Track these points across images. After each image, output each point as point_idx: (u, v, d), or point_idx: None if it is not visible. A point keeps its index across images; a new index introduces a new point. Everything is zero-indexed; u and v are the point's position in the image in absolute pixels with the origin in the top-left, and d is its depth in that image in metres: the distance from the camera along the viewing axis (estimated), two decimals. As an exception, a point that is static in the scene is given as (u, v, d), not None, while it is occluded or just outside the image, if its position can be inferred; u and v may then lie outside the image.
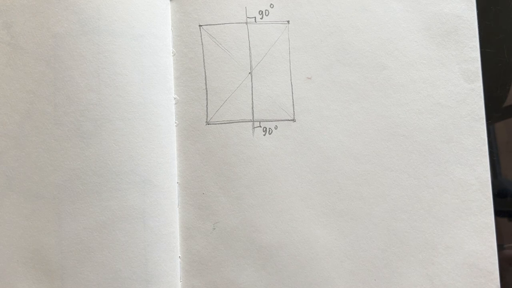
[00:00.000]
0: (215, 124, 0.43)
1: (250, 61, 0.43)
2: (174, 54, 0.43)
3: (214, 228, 0.41)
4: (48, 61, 0.39)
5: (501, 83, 0.43)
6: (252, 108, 0.43)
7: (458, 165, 0.42)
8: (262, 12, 0.44)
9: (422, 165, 0.43)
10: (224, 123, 0.43)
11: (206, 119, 0.43)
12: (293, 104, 0.43)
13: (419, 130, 0.43)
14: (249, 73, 0.43)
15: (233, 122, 0.43)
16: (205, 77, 0.43)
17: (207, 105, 0.43)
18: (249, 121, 0.43)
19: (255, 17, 0.44)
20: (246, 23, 0.43)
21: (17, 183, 0.38)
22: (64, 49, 0.39)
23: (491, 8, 0.46)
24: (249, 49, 0.43)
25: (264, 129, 0.43)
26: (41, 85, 0.38)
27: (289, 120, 0.43)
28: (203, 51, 0.43)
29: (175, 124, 0.42)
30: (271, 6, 0.44)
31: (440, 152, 0.43)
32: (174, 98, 0.42)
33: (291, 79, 0.43)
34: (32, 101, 0.38)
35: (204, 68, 0.43)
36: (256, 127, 0.43)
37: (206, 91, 0.43)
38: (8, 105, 0.38)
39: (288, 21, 0.44)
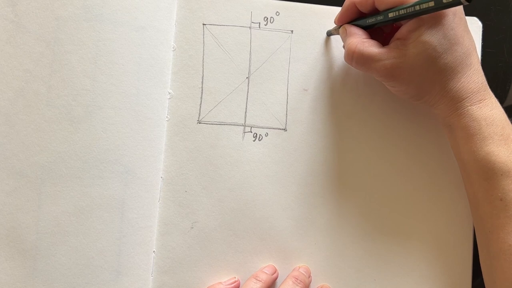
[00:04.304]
0: (207, 123, 0.43)
1: (249, 66, 0.43)
2: (175, 49, 0.43)
3: (192, 227, 0.41)
4: (48, 43, 0.39)
5: (501, 83, 0.43)
6: (245, 112, 0.43)
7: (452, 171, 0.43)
8: (267, 18, 0.44)
9: (411, 185, 0.43)
10: (216, 124, 0.43)
11: (198, 117, 0.43)
12: (286, 114, 0.43)
13: (411, 144, 0.43)
14: (247, 77, 0.43)
15: (224, 124, 0.43)
16: (203, 76, 0.43)
17: (200, 104, 0.43)
18: (240, 125, 0.43)
19: (259, 23, 0.44)
20: (250, 27, 0.44)
21: (2, 159, 0.38)
22: (65, 33, 0.39)
23: (491, 8, 0.46)
24: (250, 54, 0.43)
25: (255, 135, 0.43)
26: (38, 66, 0.39)
27: (280, 129, 0.43)
28: (203, 50, 0.43)
29: (166, 119, 0.42)
30: (277, 13, 0.44)
31: (432, 162, 0.43)
32: (169, 93, 0.42)
33: (287, 89, 0.43)
34: (27, 80, 0.39)
35: (203, 67, 0.43)
36: (246, 132, 0.43)
37: (202, 90, 0.43)
38: (3, 81, 0.39)
39: (292, 31, 0.44)
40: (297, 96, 0.43)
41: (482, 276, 0.38)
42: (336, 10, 0.44)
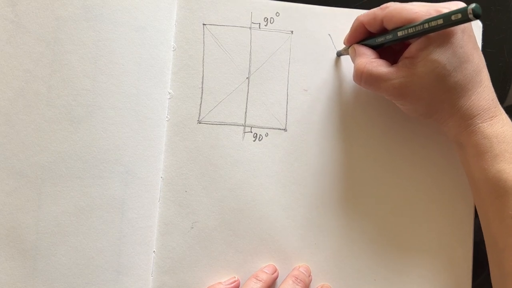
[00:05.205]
0: (207, 123, 0.43)
1: (249, 66, 0.43)
2: (175, 49, 0.43)
3: (192, 227, 0.41)
4: (48, 43, 0.39)
5: (501, 83, 0.43)
6: (245, 113, 0.43)
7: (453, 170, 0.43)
8: (267, 19, 0.44)
9: (411, 185, 0.43)
10: (216, 124, 0.43)
11: (198, 117, 0.43)
12: (286, 114, 0.43)
13: (410, 142, 0.43)
14: (247, 78, 0.43)
15: (224, 124, 0.43)
16: (203, 76, 0.43)
17: (201, 104, 0.43)
18: (240, 125, 0.43)
19: (259, 23, 0.44)
20: (250, 28, 0.44)
21: (2, 159, 0.38)
22: (65, 33, 0.39)
23: (491, 8, 0.46)
24: (250, 54, 0.43)
25: (255, 135, 0.43)
26: (38, 66, 0.39)
27: (280, 129, 0.43)
28: (203, 50, 0.43)
29: (166, 119, 0.42)
30: (277, 14, 0.44)
31: (431, 161, 0.43)
32: (169, 93, 0.42)
33: (287, 89, 0.44)
34: (27, 80, 0.39)
35: (203, 67, 0.43)
36: (246, 132, 0.43)
37: (202, 90, 0.43)
38: (3, 81, 0.39)
39: (292, 31, 0.44)
40: (297, 96, 0.43)
41: (482, 276, 0.38)
42: (336, 11, 0.44)
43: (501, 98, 0.45)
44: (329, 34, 0.44)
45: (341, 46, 0.43)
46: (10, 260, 0.38)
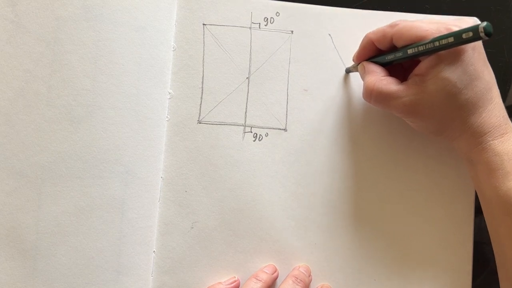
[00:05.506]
0: (207, 123, 0.43)
1: (249, 66, 0.43)
2: (175, 49, 0.43)
3: (192, 227, 0.41)
4: (48, 43, 0.39)
5: (501, 83, 0.43)
6: (245, 113, 0.43)
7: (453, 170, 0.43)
8: (267, 19, 0.44)
9: (411, 185, 0.43)
10: (216, 124, 0.43)
11: (198, 117, 0.43)
12: (286, 114, 0.43)
13: (413, 142, 0.43)
14: (247, 78, 0.43)
15: (224, 124, 0.43)
16: (203, 76, 0.43)
17: (201, 104, 0.43)
18: (240, 125, 0.43)
19: (259, 23, 0.44)
20: (250, 28, 0.44)
21: (2, 159, 0.38)
22: (65, 33, 0.39)
23: (491, 8, 0.46)
24: (250, 54, 0.43)
25: (255, 135, 0.43)
26: (38, 66, 0.39)
27: (280, 129, 0.43)
28: (203, 50, 0.43)
29: (166, 119, 0.42)
30: (277, 14, 0.44)
31: (431, 160, 0.43)
32: (169, 93, 0.42)
33: (287, 89, 0.43)
34: (27, 80, 0.39)
35: (203, 67, 0.43)
36: (247, 132, 0.43)
37: (202, 90, 0.43)
38: (3, 81, 0.39)
39: (292, 31, 0.44)
40: (297, 96, 0.43)
41: (482, 276, 0.38)
42: (336, 11, 0.44)
43: (501, 98, 0.45)
44: (329, 34, 0.44)
45: (341, 46, 0.43)
46: (10, 260, 0.38)
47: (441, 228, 0.43)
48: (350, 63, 0.43)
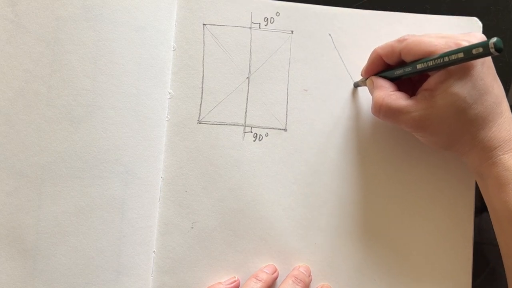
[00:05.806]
0: (207, 124, 0.43)
1: (249, 66, 0.43)
2: (175, 49, 0.43)
3: (192, 227, 0.41)
4: (48, 43, 0.39)
5: (501, 83, 0.43)
6: (246, 113, 0.43)
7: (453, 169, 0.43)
8: (267, 19, 0.44)
9: (412, 186, 0.43)
10: (216, 124, 0.43)
11: (198, 117, 0.43)
12: (286, 114, 0.43)
13: (414, 146, 0.43)
14: (247, 78, 0.43)
15: (224, 124, 0.43)
16: (203, 76, 0.43)
17: (201, 104, 0.43)
18: (240, 125, 0.43)
19: (259, 23, 0.44)
20: (250, 28, 0.44)
21: (2, 159, 0.38)
22: (65, 33, 0.39)
23: (491, 8, 0.46)
24: (250, 54, 0.43)
25: (255, 135, 0.43)
26: (38, 66, 0.39)
27: (280, 129, 0.43)
28: (203, 50, 0.43)
29: (166, 119, 0.42)
30: (277, 14, 0.44)
31: (432, 163, 0.43)
32: (169, 93, 0.42)
33: (287, 89, 0.43)
34: (27, 80, 0.39)
35: (203, 67, 0.43)
36: (247, 132, 0.43)
37: (202, 90, 0.43)
38: (3, 81, 0.39)
39: (292, 31, 0.44)
40: (297, 96, 0.43)
41: (482, 276, 0.38)
42: (336, 11, 0.44)
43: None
44: (329, 34, 0.44)
45: (341, 46, 0.43)
46: (10, 260, 0.38)
47: (441, 228, 0.43)
48: (350, 63, 0.43)
